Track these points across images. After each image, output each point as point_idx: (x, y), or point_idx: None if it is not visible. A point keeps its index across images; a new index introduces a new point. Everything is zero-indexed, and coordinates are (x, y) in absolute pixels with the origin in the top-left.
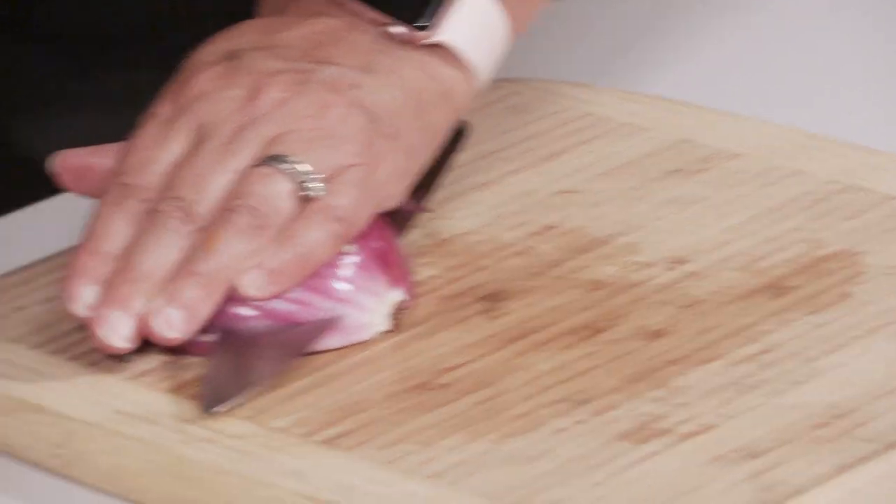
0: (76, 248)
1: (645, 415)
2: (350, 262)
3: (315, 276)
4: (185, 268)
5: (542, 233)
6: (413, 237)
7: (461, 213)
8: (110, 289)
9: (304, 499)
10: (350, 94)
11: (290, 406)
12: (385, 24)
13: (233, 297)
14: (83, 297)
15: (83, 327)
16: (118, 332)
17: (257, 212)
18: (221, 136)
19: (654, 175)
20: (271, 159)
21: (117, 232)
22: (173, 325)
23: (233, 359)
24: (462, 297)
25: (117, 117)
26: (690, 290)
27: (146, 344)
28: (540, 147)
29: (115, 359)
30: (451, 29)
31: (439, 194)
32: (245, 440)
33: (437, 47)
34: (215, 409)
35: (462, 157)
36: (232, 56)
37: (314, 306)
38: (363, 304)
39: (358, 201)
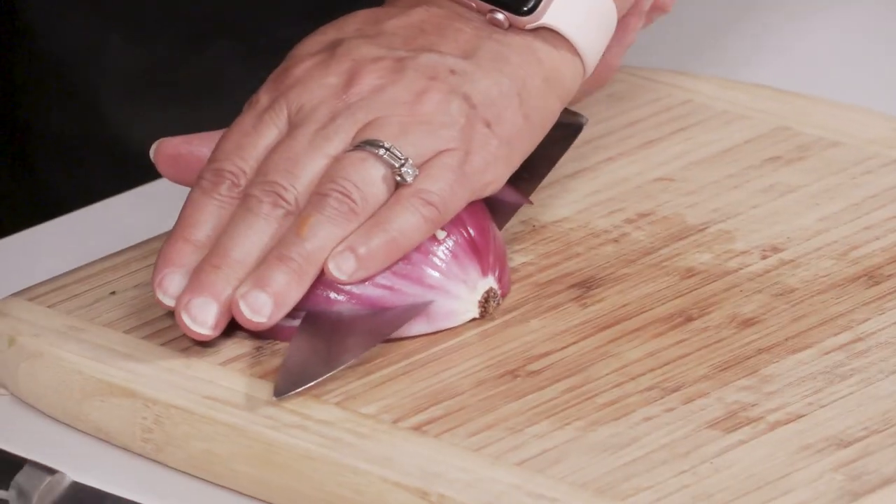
0: (168, 235)
1: (734, 403)
2: (442, 249)
3: (405, 261)
4: (274, 252)
5: (636, 220)
6: (508, 224)
7: (556, 201)
8: (196, 275)
9: (392, 485)
10: (449, 80)
11: (378, 392)
12: (490, 11)
13: (322, 281)
14: (171, 286)
15: (173, 313)
16: (201, 320)
17: (349, 196)
18: (316, 122)
19: (751, 163)
20: (365, 144)
21: (208, 219)
22: (261, 309)
23: (314, 343)
24: (554, 284)
25: (206, 108)
26: (784, 279)
27: (237, 329)
28: (637, 134)
29: (205, 344)
30: (557, 11)
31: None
32: (334, 426)
33: (543, 31)
34: (287, 393)
35: None
36: (334, 45)
37: (403, 292)
38: (453, 291)
39: (451, 187)
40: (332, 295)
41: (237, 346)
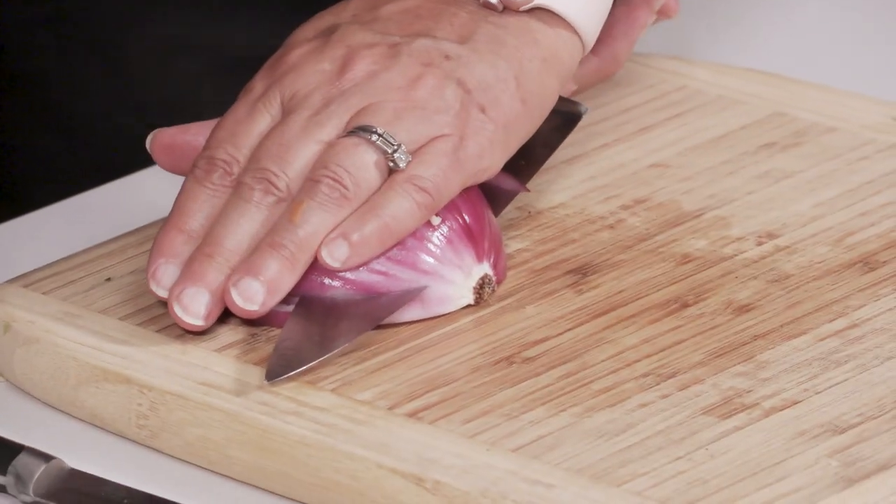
0: (162, 225)
1: (730, 389)
2: (437, 235)
3: (400, 247)
4: (267, 239)
5: (632, 206)
6: (503, 211)
7: (552, 187)
8: (188, 265)
9: (388, 471)
10: (443, 66)
11: (374, 379)
12: None
13: (316, 266)
14: (164, 277)
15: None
16: (193, 310)
17: (342, 182)
18: (309, 108)
19: (746, 149)
20: (358, 129)
21: (201, 208)
22: (253, 297)
23: (307, 327)
24: (550, 271)
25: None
26: (780, 265)
27: (232, 316)
28: (633, 120)
29: (199, 331)
30: None
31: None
32: (329, 412)
33: (539, 11)
34: (279, 377)
35: None
36: (329, 31)
37: (398, 277)
38: (447, 277)
39: (445, 172)
40: (327, 280)
41: (232, 333)
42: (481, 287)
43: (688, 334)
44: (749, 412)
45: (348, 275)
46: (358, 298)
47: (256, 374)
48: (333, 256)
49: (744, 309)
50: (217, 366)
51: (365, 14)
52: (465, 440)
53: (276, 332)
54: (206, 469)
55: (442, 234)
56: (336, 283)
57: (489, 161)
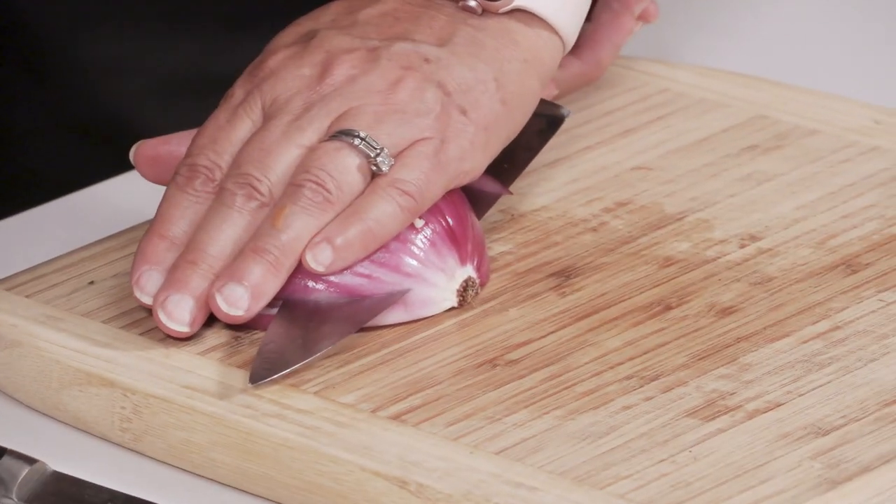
0: (145, 232)
1: (713, 392)
2: (420, 238)
3: (383, 250)
4: (250, 244)
5: (614, 209)
6: (487, 213)
7: (535, 190)
8: (172, 272)
9: (371, 474)
10: (423, 69)
11: (357, 382)
12: None
13: (300, 270)
14: (148, 284)
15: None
16: (178, 317)
17: (324, 186)
18: (289, 113)
19: (729, 151)
20: (340, 133)
21: (184, 215)
22: (237, 302)
23: (291, 330)
24: (533, 273)
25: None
26: (762, 268)
27: (216, 319)
28: (616, 123)
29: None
30: None
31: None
32: (313, 415)
33: (518, 12)
34: (263, 380)
35: None
36: (308, 37)
37: (381, 280)
38: (430, 280)
39: (427, 176)
40: (311, 283)
41: (216, 336)
42: (464, 290)
43: (671, 337)
44: (732, 414)
45: (332, 278)
46: (341, 301)
47: (240, 378)
48: (317, 260)
49: (727, 311)
50: (200, 369)
51: (343, 19)
52: (449, 443)
53: (260, 335)
54: (189, 472)
55: (425, 237)
56: (320, 287)
57: (471, 163)
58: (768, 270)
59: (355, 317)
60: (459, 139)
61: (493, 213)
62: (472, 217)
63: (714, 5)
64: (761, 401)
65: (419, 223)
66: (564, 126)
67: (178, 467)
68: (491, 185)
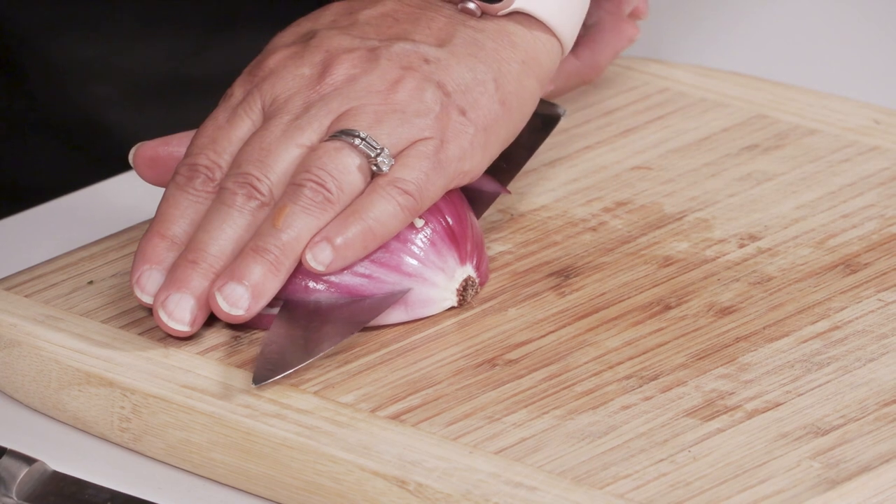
0: (146, 231)
1: (712, 391)
2: (420, 237)
3: (383, 249)
4: (251, 244)
5: (614, 209)
6: (486, 212)
7: (534, 189)
8: (172, 272)
9: (370, 474)
10: (422, 69)
11: (357, 381)
12: (461, 1)
13: (300, 270)
14: (148, 284)
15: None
16: (178, 317)
17: (325, 186)
18: (289, 112)
19: (728, 151)
20: (341, 133)
21: (184, 214)
22: (238, 302)
23: (292, 331)
24: (532, 273)
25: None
26: (762, 267)
27: (215, 319)
28: (615, 123)
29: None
30: None
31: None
32: (312, 415)
33: (517, 14)
34: (266, 381)
35: None
36: (308, 37)
37: (381, 280)
38: (431, 279)
39: (427, 175)
40: (311, 284)
41: (215, 336)
42: (464, 289)
43: (670, 336)
44: (731, 414)
45: (332, 278)
46: (342, 301)
47: (239, 377)
48: (317, 260)
49: (726, 311)
50: (200, 369)
51: (343, 19)
52: (448, 442)
53: (259, 334)
54: (188, 472)
55: (425, 237)
56: (320, 287)
57: (470, 164)
58: (767, 270)
59: (356, 317)
60: (459, 139)
61: (492, 213)
62: (472, 216)
63: (714, 5)
64: (760, 400)
65: (419, 223)
66: (564, 126)
67: (177, 467)
68: (489, 185)
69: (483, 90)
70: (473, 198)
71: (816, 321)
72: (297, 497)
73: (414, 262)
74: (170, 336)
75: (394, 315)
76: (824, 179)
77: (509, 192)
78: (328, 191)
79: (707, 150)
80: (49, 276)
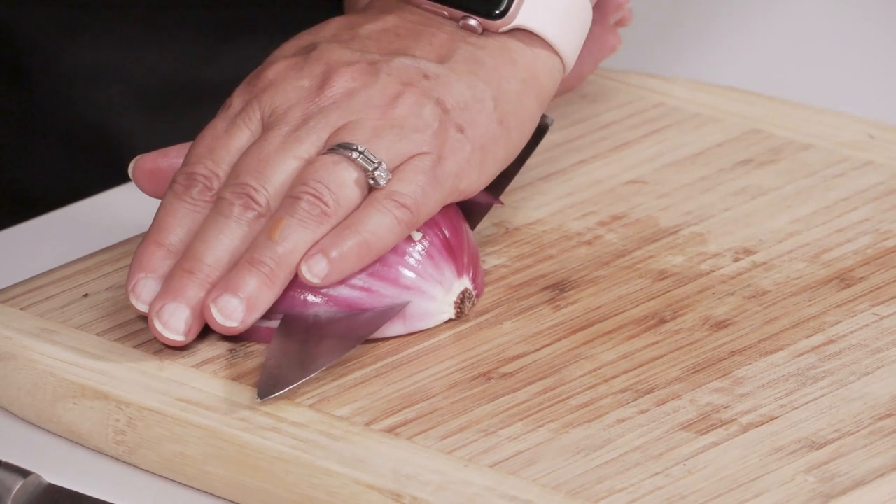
0: (142, 240)
1: (707, 405)
2: (417, 250)
3: (381, 263)
4: (246, 256)
5: (609, 223)
6: (481, 226)
7: (529, 203)
8: (168, 281)
9: (365, 487)
10: (422, 84)
11: (352, 394)
12: (462, 18)
13: (298, 283)
14: (144, 292)
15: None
16: (173, 326)
17: (322, 199)
18: (288, 124)
19: (723, 165)
20: (339, 147)
21: (181, 223)
22: (232, 314)
23: (292, 345)
24: (528, 287)
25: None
26: (756, 281)
27: (211, 331)
28: (610, 137)
29: (179, 346)
30: (530, 11)
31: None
32: (307, 428)
33: (518, 31)
34: (269, 396)
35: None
36: (309, 49)
37: (379, 293)
38: (428, 292)
39: (424, 189)
40: (310, 297)
41: (211, 349)
42: (462, 302)
43: (665, 350)
44: (726, 428)
45: (330, 291)
46: (340, 315)
47: (234, 390)
48: (313, 272)
49: (721, 325)
50: (195, 382)
51: (344, 33)
52: (443, 456)
53: (255, 347)
54: (183, 485)
55: (422, 250)
56: (318, 300)
57: (466, 182)
58: (762, 284)
59: (355, 331)
60: (456, 156)
61: (487, 226)
62: (467, 229)
63: (709, 20)
64: (755, 414)
65: (416, 235)
66: (558, 139)
67: (172, 480)
68: (481, 196)
69: (482, 108)
70: (466, 210)
71: (811, 335)
72: None
73: (412, 274)
74: (165, 349)
75: (392, 328)
76: (819, 194)
77: (502, 204)
78: (325, 204)
79: (702, 164)
80: (44, 289)
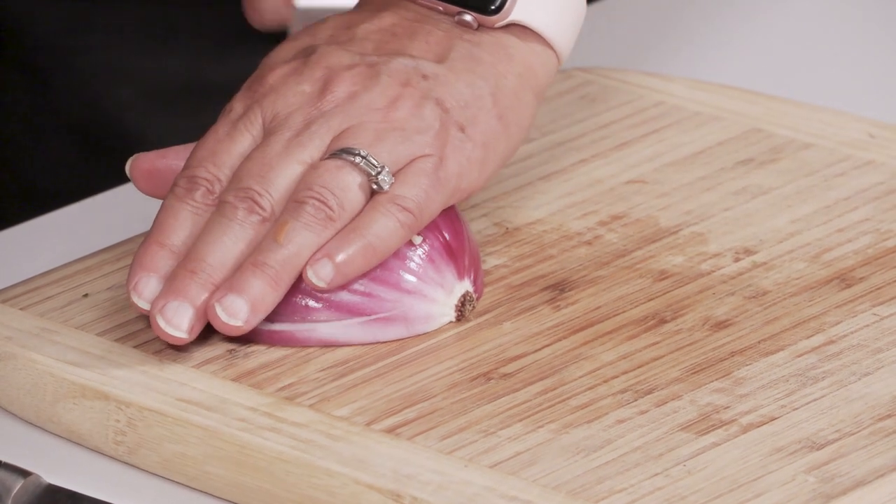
0: (143, 240)
1: (707, 405)
2: (418, 254)
3: (381, 267)
4: (251, 258)
5: (609, 222)
6: (481, 226)
7: (529, 203)
8: (171, 280)
9: (365, 487)
10: (422, 85)
11: (352, 395)
12: (458, 13)
13: (299, 288)
14: (145, 290)
15: (147, 317)
16: (176, 323)
17: (326, 203)
18: (290, 129)
19: (723, 165)
20: (342, 152)
21: (183, 225)
22: (237, 314)
23: None
24: (528, 287)
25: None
26: (757, 281)
27: (211, 332)
28: (610, 136)
29: (179, 347)
30: (525, 6)
31: (508, 183)
32: (307, 428)
33: (514, 26)
34: None
35: (532, 147)
36: (307, 52)
37: (380, 298)
38: (430, 295)
39: (427, 192)
40: (310, 302)
41: (211, 349)
42: (462, 304)
43: (665, 350)
44: (727, 428)
45: (331, 296)
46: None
47: (234, 391)
48: (318, 276)
49: (721, 325)
50: (195, 382)
51: (341, 34)
52: (443, 456)
53: (255, 348)
54: (184, 485)
55: (423, 253)
56: (319, 305)
57: (468, 181)
58: (763, 284)
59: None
60: (458, 155)
61: (487, 226)
62: (468, 231)
63: (709, 19)
64: (755, 415)
65: (417, 239)
66: (558, 139)
67: (172, 480)
68: None
69: (481, 105)
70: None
71: (811, 335)
72: None
73: (412, 278)
74: (165, 349)
75: (394, 331)
76: (819, 193)
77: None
78: (330, 208)
79: (702, 163)
80: (44, 289)
